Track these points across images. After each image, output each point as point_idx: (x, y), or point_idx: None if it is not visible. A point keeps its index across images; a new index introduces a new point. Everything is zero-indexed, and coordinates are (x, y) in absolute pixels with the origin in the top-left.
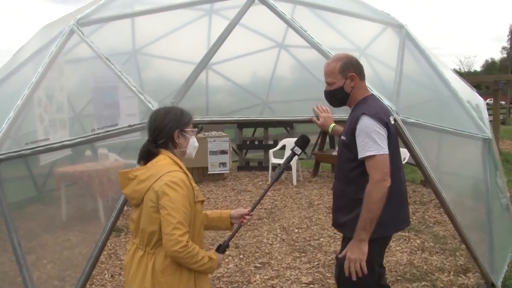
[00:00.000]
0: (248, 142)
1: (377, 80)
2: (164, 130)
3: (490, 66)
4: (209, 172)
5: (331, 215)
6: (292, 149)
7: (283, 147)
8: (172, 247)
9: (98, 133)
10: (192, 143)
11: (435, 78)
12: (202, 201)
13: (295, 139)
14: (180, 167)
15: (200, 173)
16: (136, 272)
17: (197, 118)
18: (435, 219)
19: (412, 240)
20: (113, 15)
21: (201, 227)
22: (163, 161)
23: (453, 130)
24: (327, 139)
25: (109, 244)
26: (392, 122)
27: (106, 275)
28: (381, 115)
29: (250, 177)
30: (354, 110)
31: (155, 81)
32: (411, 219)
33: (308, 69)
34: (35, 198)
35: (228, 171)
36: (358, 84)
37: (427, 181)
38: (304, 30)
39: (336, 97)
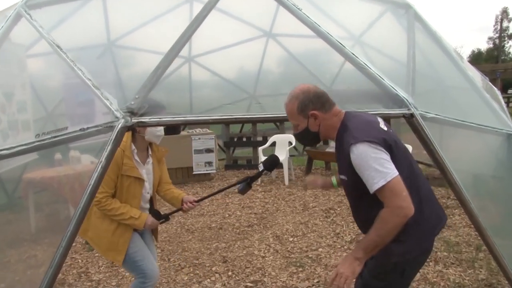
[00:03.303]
0: (235, 139)
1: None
2: None
3: (477, 57)
4: (194, 173)
5: (328, 219)
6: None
7: (273, 144)
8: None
9: (43, 139)
10: (151, 132)
11: (450, 65)
12: (136, 178)
13: (286, 135)
14: (125, 144)
15: (184, 174)
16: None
17: (179, 117)
18: None
19: None
20: None
21: (132, 198)
22: (124, 138)
23: (477, 125)
24: None
25: (80, 261)
26: (385, 128)
27: None
28: (371, 133)
29: (238, 177)
30: (339, 140)
31: (134, 77)
32: None
33: (298, 59)
34: (4, 206)
35: (214, 171)
36: (324, 118)
37: (449, 185)
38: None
39: (307, 138)
